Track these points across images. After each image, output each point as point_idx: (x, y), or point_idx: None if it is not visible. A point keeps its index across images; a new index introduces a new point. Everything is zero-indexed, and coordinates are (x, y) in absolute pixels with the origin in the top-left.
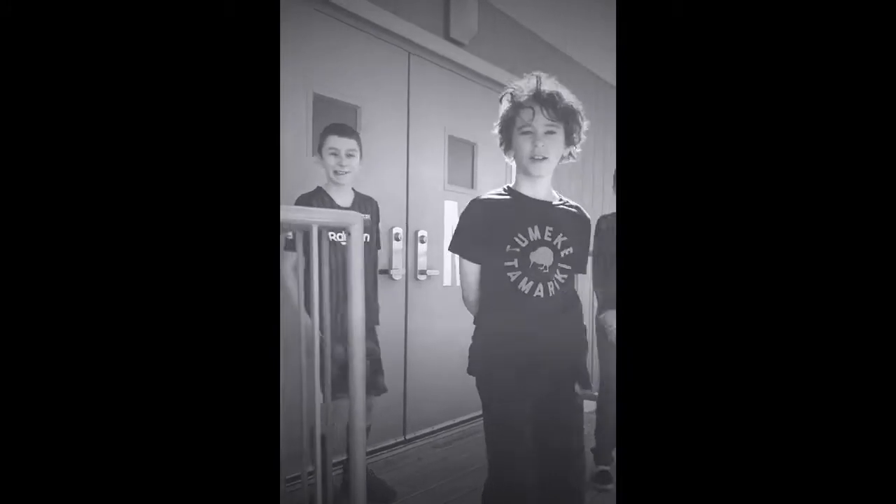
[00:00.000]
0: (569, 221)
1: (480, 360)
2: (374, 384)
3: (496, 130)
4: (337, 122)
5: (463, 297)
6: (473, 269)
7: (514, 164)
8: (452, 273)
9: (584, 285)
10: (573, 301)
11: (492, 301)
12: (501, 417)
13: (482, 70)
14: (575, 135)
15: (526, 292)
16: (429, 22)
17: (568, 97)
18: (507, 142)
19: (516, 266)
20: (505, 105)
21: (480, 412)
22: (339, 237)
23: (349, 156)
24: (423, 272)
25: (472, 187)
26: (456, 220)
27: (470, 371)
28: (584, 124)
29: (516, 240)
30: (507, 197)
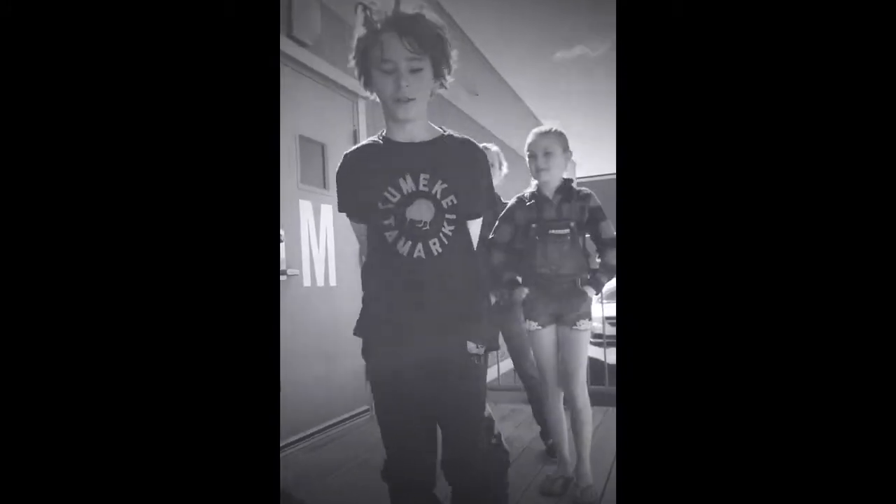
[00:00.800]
0: (450, 161)
1: (363, 325)
2: None
3: (351, 63)
4: None
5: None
6: (360, 229)
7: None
8: (312, 274)
9: None
10: (464, 255)
11: (374, 263)
12: (386, 388)
13: (327, 72)
14: (444, 66)
15: (404, 254)
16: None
17: (432, 19)
18: (367, 76)
19: (392, 224)
20: (359, 28)
21: (353, 413)
22: None
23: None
24: (283, 272)
25: (325, 187)
26: (310, 220)
27: (355, 333)
28: (454, 54)
29: (387, 195)
30: (379, 142)
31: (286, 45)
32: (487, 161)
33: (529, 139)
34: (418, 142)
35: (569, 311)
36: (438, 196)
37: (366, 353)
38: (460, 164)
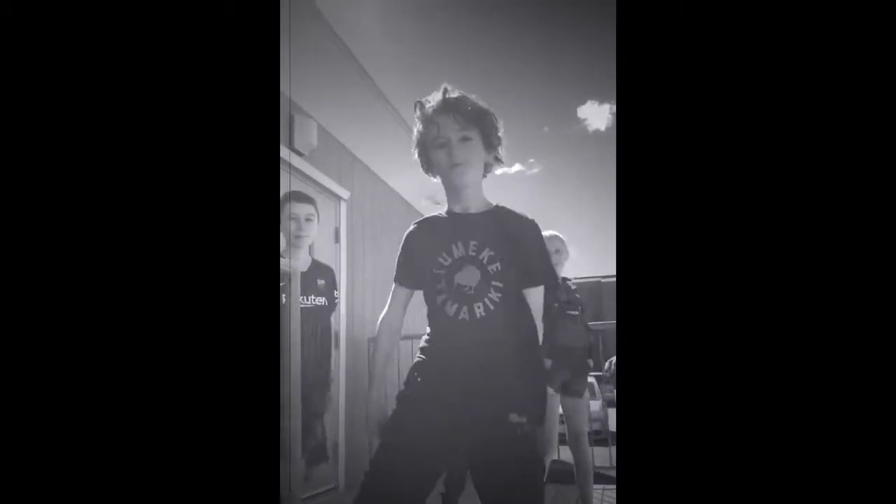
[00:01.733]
0: (500, 231)
1: (408, 379)
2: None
3: (415, 155)
4: (295, 190)
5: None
6: (401, 294)
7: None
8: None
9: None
10: (512, 321)
11: (428, 324)
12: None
13: (317, 178)
14: (493, 138)
15: (451, 315)
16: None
17: (477, 100)
18: (427, 162)
19: (443, 288)
20: (417, 126)
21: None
22: (309, 300)
23: (308, 220)
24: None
25: None
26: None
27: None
28: (500, 125)
29: (440, 260)
30: (443, 215)
31: (286, 154)
32: (540, 233)
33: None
34: (473, 212)
35: (577, 379)
36: (485, 262)
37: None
38: (510, 233)
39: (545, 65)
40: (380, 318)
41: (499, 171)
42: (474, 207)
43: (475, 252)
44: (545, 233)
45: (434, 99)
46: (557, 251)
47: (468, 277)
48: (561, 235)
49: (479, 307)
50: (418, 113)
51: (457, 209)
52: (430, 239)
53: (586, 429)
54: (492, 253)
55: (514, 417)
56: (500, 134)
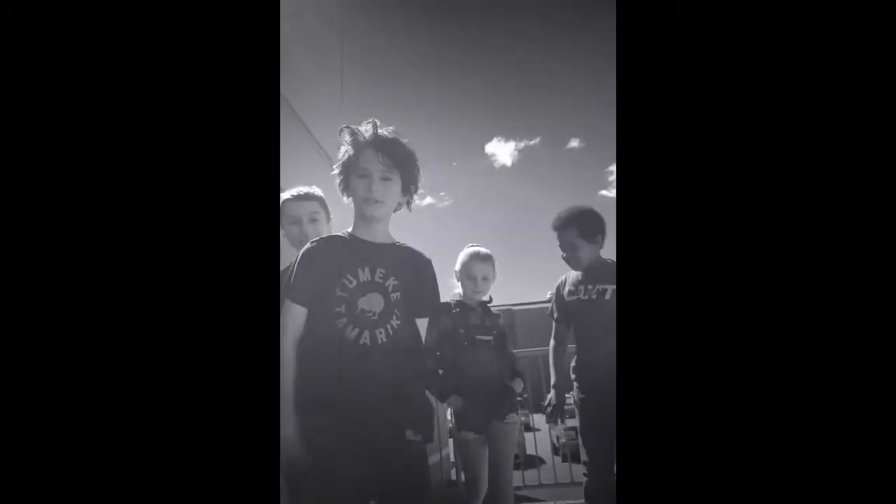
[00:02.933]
0: (403, 263)
1: (303, 404)
2: None
3: (335, 171)
4: (296, 189)
5: (281, 349)
6: (299, 313)
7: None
8: None
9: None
10: (408, 347)
11: (312, 349)
12: (320, 467)
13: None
14: (412, 184)
15: (351, 339)
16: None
17: (406, 145)
18: (346, 184)
19: (343, 312)
20: (345, 147)
21: None
22: None
23: (312, 221)
24: None
25: None
26: None
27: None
28: (419, 175)
29: (345, 281)
30: (345, 237)
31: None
32: (433, 271)
33: (464, 260)
34: (379, 242)
35: (498, 407)
36: (389, 290)
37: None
38: (410, 266)
39: (457, 99)
40: (286, 344)
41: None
42: (380, 238)
43: (381, 279)
44: (481, 250)
45: (366, 131)
46: (485, 279)
47: (373, 303)
48: (492, 255)
49: (380, 333)
50: (348, 138)
51: (364, 236)
52: (333, 259)
53: (510, 466)
54: (396, 282)
55: (409, 435)
56: (418, 182)
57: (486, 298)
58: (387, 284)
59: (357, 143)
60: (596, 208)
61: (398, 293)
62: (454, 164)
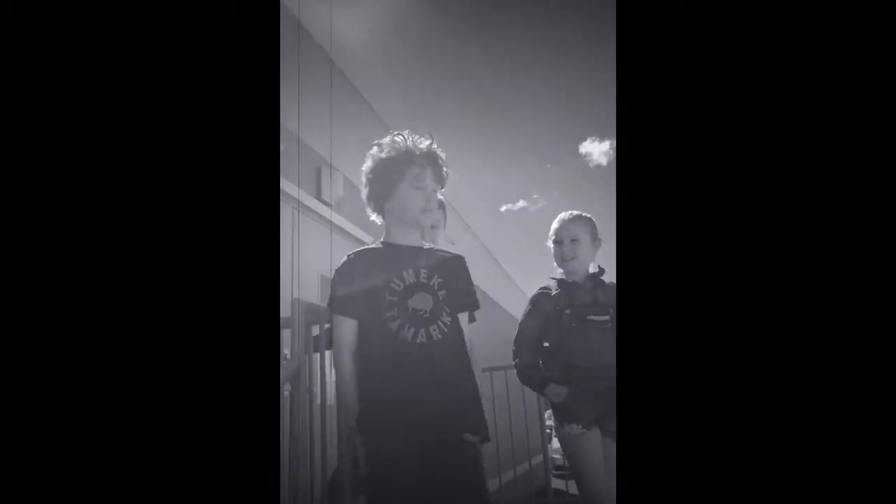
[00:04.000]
0: (441, 263)
1: (368, 411)
2: None
3: (370, 174)
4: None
5: (336, 365)
6: (350, 325)
7: (379, 219)
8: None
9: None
10: (460, 344)
11: (373, 355)
12: (388, 470)
13: (342, 224)
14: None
15: (408, 339)
16: (307, 186)
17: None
18: (387, 193)
19: (396, 314)
20: (388, 153)
21: None
22: None
23: None
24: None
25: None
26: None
27: (358, 421)
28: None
29: (392, 286)
30: (378, 247)
31: (313, 203)
32: (466, 265)
33: (555, 225)
34: (413, 245)
35: (613, 413)
36: (435, 288)
37: (367, 438)
38: (448, 265)
39: (547, 102)
40: (345, 358)
41: (503, 207)
42: (417, 242)
43: (426, 279)
44: (572, 212)
45: (423, 143)
46: (574, 240)
47: (422, 302)
48: (587, 216)
49: (435, 330)
50: (399, 144)
51: (401, 241)
52: (374, 267)
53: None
54: (440, 280)
55: (468, 437)
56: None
57: (594, 270)
58: (432, 283)
59: (409, 152)
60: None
61: (443, 291)
62: (548, 165)
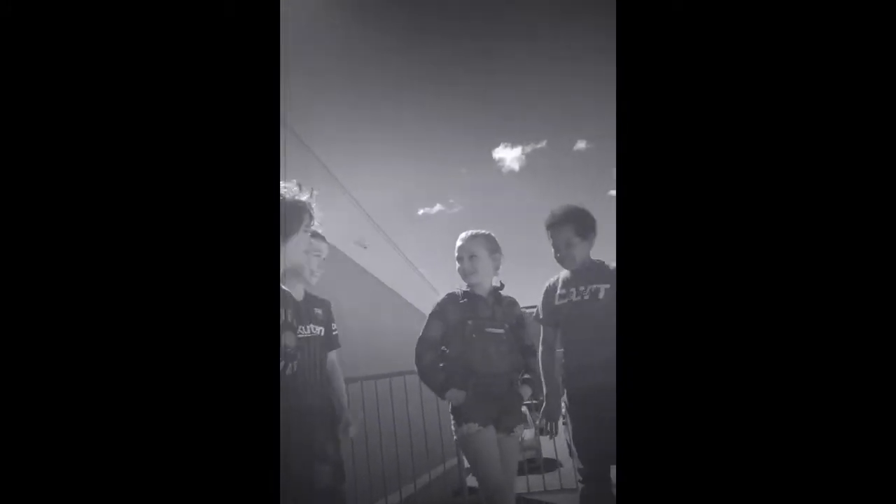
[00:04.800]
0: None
1: None
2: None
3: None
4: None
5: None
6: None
7: None
8: None
9: None
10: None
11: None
12: None
13: None
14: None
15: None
16: None
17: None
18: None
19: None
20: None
21: None
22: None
23: (323, 258)
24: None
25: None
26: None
27: None
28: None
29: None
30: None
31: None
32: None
33: (458, 243)
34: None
35: (506, 414)
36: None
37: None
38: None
39: (460, 109)
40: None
41: (420, 210)
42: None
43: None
44: (471, 231)
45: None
46: (473, 256)
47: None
48: (492, 234)
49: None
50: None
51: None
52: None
53: (514, 482)
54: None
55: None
56: None
57: (496, 284)
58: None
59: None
60: (601, 208)
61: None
62: (463, 170)
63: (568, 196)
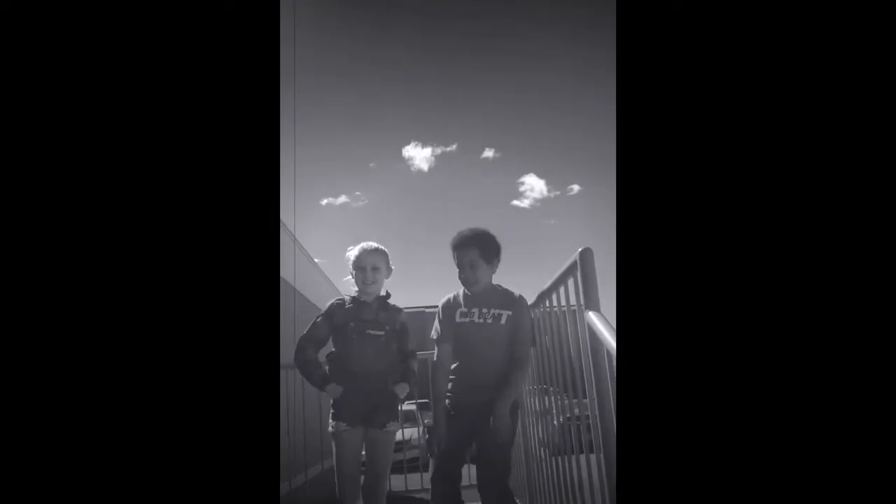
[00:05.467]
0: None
1: None
2: None
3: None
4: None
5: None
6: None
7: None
8: None
9: None
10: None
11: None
12: None
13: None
14: None
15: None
16: None
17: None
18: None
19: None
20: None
21: None
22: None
23: (374, 269)
24: None
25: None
26: None
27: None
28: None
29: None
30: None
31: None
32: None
33: (357, 253)
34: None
35: (379, 411)
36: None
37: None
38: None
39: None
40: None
41: (324, 201)
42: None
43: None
44: (372, 244)
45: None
46: (375, 268)
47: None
48: (384, 249)
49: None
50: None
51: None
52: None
53: (388, 473)
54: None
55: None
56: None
57: (383, 293)
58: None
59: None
60: (505, 216)
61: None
62: (371, 164)
63: (473, 200)
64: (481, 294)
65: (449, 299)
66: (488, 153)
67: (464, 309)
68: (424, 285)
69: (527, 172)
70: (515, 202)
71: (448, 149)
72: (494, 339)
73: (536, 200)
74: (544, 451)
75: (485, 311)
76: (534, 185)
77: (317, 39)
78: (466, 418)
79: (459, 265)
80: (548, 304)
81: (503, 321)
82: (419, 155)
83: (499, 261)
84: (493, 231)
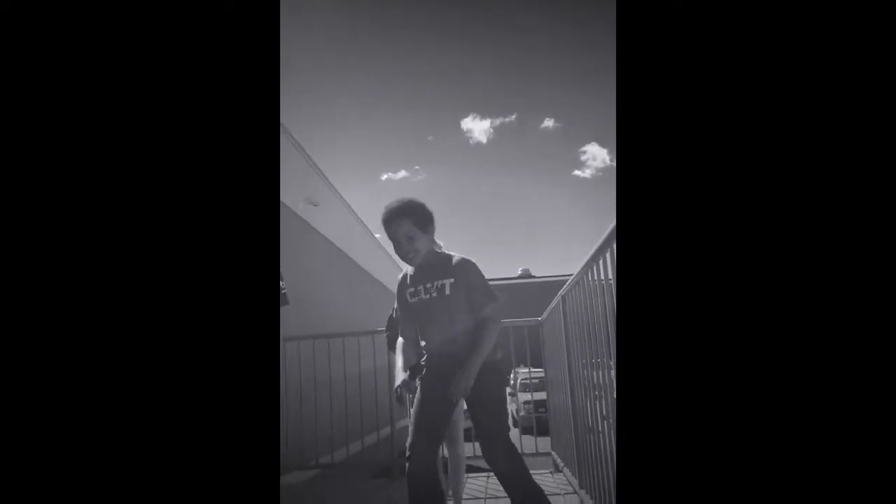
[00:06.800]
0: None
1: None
2: None
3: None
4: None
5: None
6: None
7: None
8: None
9: None
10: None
11: None
12: None
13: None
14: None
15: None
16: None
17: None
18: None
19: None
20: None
21: None
22: None
23: (409, 238)
24: None
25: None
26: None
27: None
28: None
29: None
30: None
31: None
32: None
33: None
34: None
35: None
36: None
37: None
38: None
39: (432, 79)
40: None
41: (384, 176)
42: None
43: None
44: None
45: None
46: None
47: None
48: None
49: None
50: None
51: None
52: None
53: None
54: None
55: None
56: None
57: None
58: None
59: None
60: (568, 186)
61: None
62: (430, 138)
63: (533, 172)
64: (425, 266)
65: (399, 277)
66: (548, 123)
67: (411, 288)
68: (484, 259)
69: (589, 141)
70: (577, 172)
71: (507, 119)
72: (445, 311)
73: (598, 170)
74: (604, 423)
75: (429, 285)
76: (596, 155)
77: (370, 15)
78: (440, 394)
79: (395, 241)
80: (590, 277)
81: (447, 291)
82: (478, 127)
83: (434, 227)
84: (555, 201)
